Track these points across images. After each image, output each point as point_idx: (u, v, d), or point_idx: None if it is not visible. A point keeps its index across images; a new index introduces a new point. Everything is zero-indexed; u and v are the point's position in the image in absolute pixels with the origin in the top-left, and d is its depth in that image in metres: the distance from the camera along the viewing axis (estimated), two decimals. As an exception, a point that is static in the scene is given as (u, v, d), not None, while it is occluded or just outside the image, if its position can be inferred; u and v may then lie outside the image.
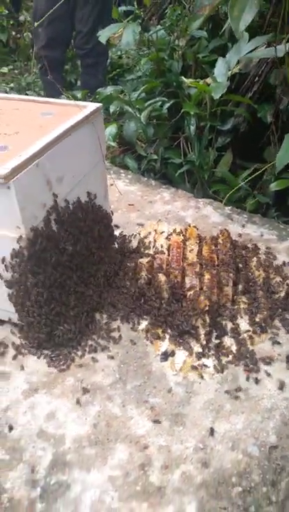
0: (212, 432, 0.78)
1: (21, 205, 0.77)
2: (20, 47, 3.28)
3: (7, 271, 0.86)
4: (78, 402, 0.83)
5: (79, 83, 3.19)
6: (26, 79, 2.84)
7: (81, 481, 0.72)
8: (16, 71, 3.00)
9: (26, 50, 3.13)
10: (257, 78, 1.77)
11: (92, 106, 0.96)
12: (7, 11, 3.38)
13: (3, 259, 0.84)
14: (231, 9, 0.98)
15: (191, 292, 0.98)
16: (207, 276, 1.00)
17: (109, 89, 1.87)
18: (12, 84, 2.76)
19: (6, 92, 2.54)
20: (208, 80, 1.80)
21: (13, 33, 3.48)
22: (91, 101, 2.04)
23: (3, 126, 0.91)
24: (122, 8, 2.26)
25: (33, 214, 0.82)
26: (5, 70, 2.95)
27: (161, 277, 0.99)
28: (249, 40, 1.53)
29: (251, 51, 1.55)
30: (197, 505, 0.69)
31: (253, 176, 1.65)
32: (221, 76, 1.59)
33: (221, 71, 1.60)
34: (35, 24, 2.38)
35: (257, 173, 1.64)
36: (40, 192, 0.83)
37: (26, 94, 2.79)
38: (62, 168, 0.87)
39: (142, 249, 1.16)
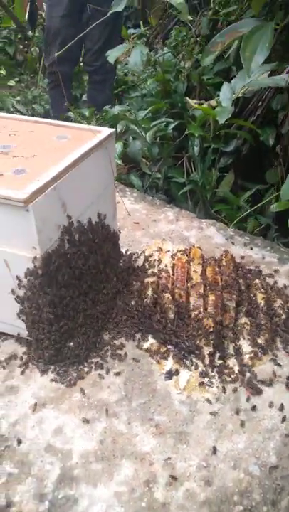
0: (215, 450, 0.81)
1: (38, 228, 0.80)
2: (27, 61, 3.34)
3: (20, 288, 0.89)
4: (86, 420, 0.85)
5: (84, 97, 3.26)
6: (33, 92, 2.90)
7: (88, 496, 0.75)
8: (23, 84, 3.05)
9: (33, 64, 3.19)
10: (260, 103, 1.83)
11: (105, 131, 1.00)
12: (15, 25, 3.45)
13: (18, 278, 0.88)
14: (243, 50, 1.03)
15: (196, 313, 1.01)
16: (211, 297, 1.03)
17: (116, 109, 1.92)
18: (19, 98, 2.81)
19: (13, 105, 2.59)
20: (213, 103, 1.86)
21: (20, 46, 3.55)
22: (97, 118, 2.10)
23: (20, 149, 0.95)
24: (132, 30, 2.32)
25: (49, 235, 0.85)
26: (12, 83, 3.00)
27: (167, 297, 1.03)
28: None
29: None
30: (200, 522, 0.71)
31: (249, 195, 1.70)
32: (226, 101, 1.64)
33: (226, 96, 1.65)
34: (48, 42, 2.46)
35: (254, 193, 1.68)
36: (56, 214, 0.86)
37: (33, 108, 2.85)
38: (76, 191, 0.91)
39: (147, 268, 1.20)
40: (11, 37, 3.49)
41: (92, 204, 1.00)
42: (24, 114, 2.73)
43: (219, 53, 1.25)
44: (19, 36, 3.58)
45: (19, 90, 3.03)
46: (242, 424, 0.85)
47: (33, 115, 2.83)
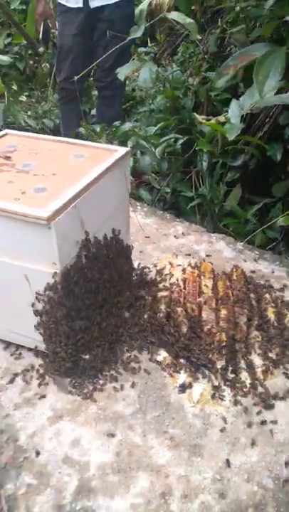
0: (228, 463, 0.82)
1: (59, 244, 0.83)
2: (37, 76, 3.41)
3: (39, 302, 0.92)
4: (110, 435, 0.87)
5: (92, 112, 3.33)
6: (43, 107, 2.96)
7: (106, 508, 0.77)
8: (33, 99, 3.12)
9: (44, 79, 3.27)
10: (267, 119, 1.87)
11: (121, 150, 1.04)
12: (26, 42, 3.54)
13: (37, 292, 0.90)
14: (256, 74, 1.07)
15: (208, 327, 1.03)
16: (223, 311, 1.06)
17: (127, 125, 1.96)
18: (29, 112, 2.88)
19: (25, 120, 2.64)
20: (220, 118, 1.90)
21: (31, 62, 3.64)
22: (108, 133, 2.14)
23: (40, 167, 0.99)
24: (142, 49, 2.38)
25: (68, 251, 0.88)
26: (23, 98, 3.07)
27: (180, 311, 1.05)
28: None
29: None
30: (216, 534, 0.73)
31: (256, 209, 1.73)
32: (235, 118, 1.68)
33: (235, 113, 1.69)
34: (60, 59, 2.53)
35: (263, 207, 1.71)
36: (75, 231, 0.90)
37: (43, 122, 2.91)
38: (94, 208, 0.94)
39: (159, 282, 1.22)
40: (21, 53, 3.58)
41: (108, 220, 1.03)
42: (35, 129, 2.80)
43: (232, 76, 1.29)
44: (29, 52, 3.67)
45: (29, 105, 3.10)
46: (254, 438, 0.87)
47: (43, 129, 2.89)
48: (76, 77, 2.22)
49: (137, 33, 1.36)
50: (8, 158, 1.03)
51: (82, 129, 2.08)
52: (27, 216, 0.81)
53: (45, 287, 0.89)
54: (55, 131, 2.84)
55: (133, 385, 0.97)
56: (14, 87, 3.04)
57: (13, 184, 0.92)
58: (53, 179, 0.94)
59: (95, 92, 3.36)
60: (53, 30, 2.76)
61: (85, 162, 1.01)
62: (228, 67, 1.24)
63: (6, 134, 1.17)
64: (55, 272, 0.87)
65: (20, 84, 3.37)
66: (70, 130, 2.60)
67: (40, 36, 2.72)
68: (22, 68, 3.62)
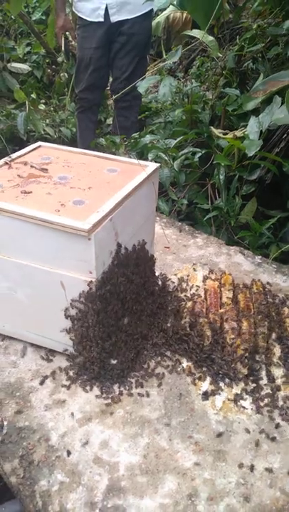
0: (252, 469, 0.86)
1: (96, 254, 0.88)
2: (54, 84, 3.49)
3: (72, 308, 0.97)
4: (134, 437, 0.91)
5: (108, 121, 3.40)
6: (61, 116, 3.03)
7: (136, 507, 0.80)
8: (52, 108, 3.19)
9: (61, 88, 3.34)
10: (285, 135, 1.92)
11: (152, 166, 1.09)
12: (45, 51, 3.62)
13: (72, 298, 0.95)
14: (288, 101, 1.11)
15: (230, 337, 1.08)
16: (245, 323, 1.10)
17: (147, 139, 2.02)
18: (47, 121, 2.94)
19: (44, 129, 2.71)
20: (238, 133, 1.96)
21: (48, 70, 3.71)
22: (126, 144, 2.20)
23: (76, 181, 1.04)
24: (162, 64, 2.45)
25: (103, 260, 0.93)
26: (42, 106, 3.14)
27: (204, 322, 1.10)
28: (282, 104, 1.69)
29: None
30: (241, 535, 0.77)
31: (271, 223, 1.78)
32: (254, 134, 1.73)
33: (254, 129, 1.75)
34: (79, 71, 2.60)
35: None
36: (110, 242, 0.95)
37: (60, 131, 2.97)
38: (126, 220, 0.99)
39: (180, 292, 1.27)
40: (40, 61, 3.66)
41: (137, 231, 1.08)
42: (53, 137, 2.86)
43: (262, 100, 1.33)
44: (47, 61, 3.75)
45: (47, 113, 3.17)
46: (276, 445, 0.91)
47: (60, 137, 2.96)
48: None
49: (175, 57, 1.41)
50: (44, 170, 1.09)
51: (102, 140, 2.14)
52: (69, 228, 0.86)
53: (80, 294, 0.94)
54: (72, 140, 2.91)
55: (158, 392, 1.01)
56: (33, 95, 3.10)
57: (51, 196, 0.97)
58: (90, 192, 0.99)
59: (111, 102, 3.44)
60: (72, 43, 2.84)
61: (118, 176, 1.06)
62: (258, 91, 1.29)
63: (39, 146, 1.23)
64: (91, 281, 0.91)
65: (38, 92, 3.44)
66: (86, 139, 2.67)
67: (63, 48, 2.80)
68: (39, 76, 3.71)
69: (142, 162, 1.12)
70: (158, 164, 1.11)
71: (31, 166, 1.10)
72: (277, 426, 0.94)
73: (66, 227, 0.86)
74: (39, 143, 1.24)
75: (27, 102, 2.52)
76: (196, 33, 2.03)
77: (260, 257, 1.49)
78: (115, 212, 0.93)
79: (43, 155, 1.17)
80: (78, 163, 1.13)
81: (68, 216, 0.88)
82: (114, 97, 2.50)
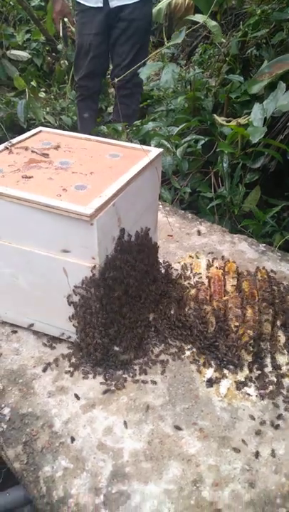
0: (257, 455, 0.86)
1: (99, 240, 0.87)
2: (54, 72, 3.45)
3: (75, 294, 0.96)
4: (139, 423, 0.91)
5: (109, 109, 3.36)
6: (61, 104, 2.99)
7: (140, 492, 0.80)
8: (52, 96, 3.15)
9: (62, 76, 3.30)
10: None
11: (155, 151, 1.07)
12: (45, 38, 3.57)
13: (75, 285, 0.94)
14: None
15: (235, 325, 1.07)
16: (250, 310, 1.09)
17: (150, 126, 1.99)
18: (48, 109, 2.91)
19: (44, 118, 2.68)
20: (241, 120, 1.93)
21: (48, 58, 3.67)
22: (128, 132, 2.18)
23: (77, 166, 1.02)
24: (165, 50, 2.41)
25: (106, 246, 0.92)
26: (42, 94, 3.10)
27: (208, 309, 1.08)
28: (286, 90, 1.66)
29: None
30: (246, 521, 0.76)
31: (274, 211, 1.76)
32: (258, 121, 1.71)
33: (258, 116, 1.72)
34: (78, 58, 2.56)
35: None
36: (112, 227, 0.93)
37: (60, 119, 2.94)
38: (129, 206, 0.98)
39: (184, 280, 1.26)
40: (39, 49, 3.61)
41: (140, 217, 1.06)
42: (53, 125, 2.83)
43: (267, 84, 1.30)
44: (47, 48, 3.70)
45: (47, 101, 3.13)
46: (281, 432, 0.90)
47: (61, 126, 2.93)
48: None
49: (178, 38, 1.38)
50: (45, 155, 1.07)
51: (104, 127, 2.12)
52: (70, 212, 0.84)
53: (82, 280, 0.93)
54: (72, 129, 2.88)
55: (162, 378, 1.00)
56: (33, 83, 3.06)
57: (53, 181, 0.96)
58: (92, 177, 0.97)
59: (112, 90, 3.39)
60: (70, 28, 2.79)
61: (121, 161, 1.05)
62: (264, 74, 1.27)
63: (40, 131, 1.21)
64: (94, 266, 0.90)
65: (38, 80, 3.40)
66: (86, 127, 2.63)
67: (61, 34, 2.75)
68: (39, 64, 3.66)
69: (144, 147, 1.11)
70: (161, 149, 1.09)
71: (32, 151, 1.08)
72: (282, 413, 0.94)
73: (68, 212, 0.84)
74: (40, 128, 1.22)
75: (27, 90, 2.48)
76: (198, 17, 1.99)
77: (264, 244, 1.47)
78: (118, 197, 0.91)
79: (43, 140, 1.15)
80: (80, 148, 1.11)
81: (70, 201, 0.87)
82: (116, 80, 2.45)
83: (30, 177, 0.97)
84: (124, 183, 0.94)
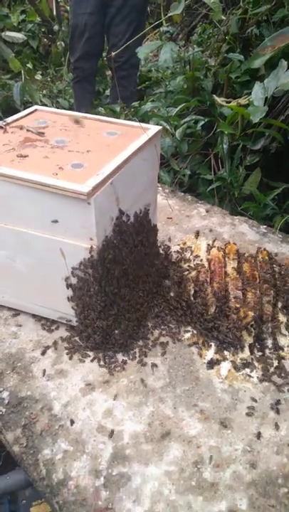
0: (258, 436, 0.85)
1: (97, 220, 0.85)
2: (50, 54, 3.38)
3: (74, 276, 0.94)
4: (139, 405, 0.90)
5: (106, 92, 3.30)
6: (58, 86, 2.94)
7: (141, 474, 0.79)
8: (48, 78, 3.09)
9: (58, 58, 3.23)
10: (290, 103, 1.85)
11: (154, 128, 1.04)
12: (40, 19, 3.49)
13: (73, 267, 0.92)
14: None
15: (236, 306, 1.05)
16: (251, 291, 1.07)
17: (148, 106, 1.95)
18: (44, 92, 2.85)
19: (41, 100, 2.63)
20: (242, 101, 1.89)
21: (45, 40, 3.59)
22: (126, 114, 2.13)
23: (74, 144, 0.99)
24: (164, 28, 2.35)
25: (104, 227, 0.89)
26: (38, 77, 3.04)
27: (209, 290, 1.07)
28: (288, 69, 1.62)
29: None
30: (248, 501, 0.76)
31: (275, 193, 1.73)
32: (258, 100, 1.67)
33: (258, 95, 1.68)
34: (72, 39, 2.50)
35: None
36: (111, 207, 0.91)
37: (57, 102, 2.89)
38: (128, 185, 0.95)
39: (184, 262, 1.24)
40: (35, 30, 3.53)
41: (139, 197, 1.04)
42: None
43: (268, 58, 1.26)
44: (43, 30, 3.62)
45: (44, 84, 3.07)
46: (283, 413, 0.89)
47: (57, 108, 2.87)
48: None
49: (178, 9, 1.33)
50: (41, 134, 1.04)
51: (101, 109, 2.07)
52: (67, 191, 0.82)
53: (80, 262, 0.91)
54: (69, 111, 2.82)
55: (162, 361, 0.99)
56: (29, 65, 3.00)
57: (49, 160, 0.93)
58: (89, 156, 0.95)
59: (109, 72, 3.32)
60: (65, 7, 2.72)
61: (119, 139, 1.02)
62: (266, 47, 1.22)
63: (35, 110, 1.18)
64: (92, 247, 0.88)
65: (34, 62, 3.33)
66: (83, 110, 2.59)
67: (55, 13, 2.68)
68: (35, 46, 3.58)
69: (143, 124, 1.07)
70: (160, 127, 1.06)
71: (27, 130, 1.05)
72: (284, 394, 0.92)
73: (64, 191, 0.82)
74: (35, 107, 1.19)
75: (23, 72, 2.43)
76: (198, -7, 1.93)
77: (265, 226, 1.45)
78: (116, 175, 0.89)
79: (39, 119, 1.12)
80: (76, 126, 1.08)
81: (67, 179, 0.84)
82: (112, 54, 2.38)
83: (25, 156, 0.94)
84: (122, 161, 0.91)
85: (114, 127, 1.07)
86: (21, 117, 1.13)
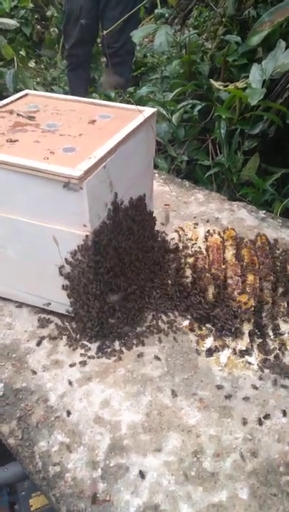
0: (260, 422, 0.83)
1: (90, 205, 0.82)
2: (44, 42, 3.31)
3: (67, 265, 0.91)
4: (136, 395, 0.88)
5: (101, 79, 3.23)
6: (52, 74, 2.88)
7: (139, 464, 0.78)
8: (42, 66, 3.03)
9: (52, 45, 3.17)
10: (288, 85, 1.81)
11: (149, 110, 1.00)
12: (33, 5, 3.41)
13: (68, 254, 0.89)
14: None
15: (235, 293, 1.03)
16: (250, 277, 1.05)
17: (143, 91, 1.91)
18: (38, 79, 2.80)
19: (35, 88, 2.58)
20: (239, 84, 1.84)
21: (38, 27, 3.51)
22: (121, 100, 2.09)
23: (65, 128, 0.96)
24: (159, 10, 2.29)
25: (98, 213, 0.86)
26: (32, 64, 2.98)
27: (207, 277, 1.04)
28: (286, 49, 1.57)
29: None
30: (249, 491, 0.74)
31: (274, 178, 1.70)
32: (256, 82, 1.62)
33: (256, 77, 1.64)
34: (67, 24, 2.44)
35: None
36: (104, 192, 0.88)
37: (52, 90, 2.83)
38: (122, 169, 0.92)
39: (181, 249, 1.21)
40: (28, 17, 3.45)
41: (135, 182, 1.00)
42: (44, 96, 2.72)
43: (268, 32, 1.22)
44: (36, 16, 3.54)
45: (37, 71, 3.01)
46: (283, 400, 0.87)
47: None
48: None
49: None
50: (31, 118, 1.00)
51: (95, 95, 2.03)
52: (58, 175, 0.79)
53: (74, 250, 0.88)
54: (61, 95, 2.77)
55: (160, 349, 0.97)
56: (22, 53, 2.94)
57: (40, 144, 0.90)
58: (81, 139, 0.91)
59: (104, 59, 3.26)
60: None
61: (112, 122, 0.98)
62: (264, 23, 1.18)
63: (26, 95, 1.14)
64: (86, 235, 0.85)
65: (27, 50, 3.26)
66: (79, 96, 2.53)
67: None
68: (29, 34, 3.51)
69: (138, 107, 1.04)
70: (155, 109, 1.03)
71: (18, 115, 1.02)
72: (284, 381, 0.90)
73: (55, 175, 0.79)
74: (26, 91, 1.15)
75: (15, 59, 2.38)
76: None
77: (264, 211, 1.42)
78: (109, 159, 0.85)
79: (30, 103, 1.08)
80: (68, 110, 1.05)
81: (58, 163, 0.81)
82: (104, 32, 2.31)
83: (15, 141, 0.91)
84: (116, 144, 0.88)
85: (108, 110, 1.04)
86: (11, 102, 1.09)
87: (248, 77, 1.72)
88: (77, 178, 0.77)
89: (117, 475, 0.77)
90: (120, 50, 2.54)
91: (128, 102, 2.01)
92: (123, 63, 2.61)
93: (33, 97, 1.13)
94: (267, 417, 0.84)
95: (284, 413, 0.85)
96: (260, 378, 0.91)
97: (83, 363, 0.94)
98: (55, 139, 0.91)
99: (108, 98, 1.97)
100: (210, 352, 0.96)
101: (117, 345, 0.97)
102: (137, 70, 2.96)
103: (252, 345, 0.97)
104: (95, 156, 0.83)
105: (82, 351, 0.96)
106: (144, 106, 1.84)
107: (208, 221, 1.35)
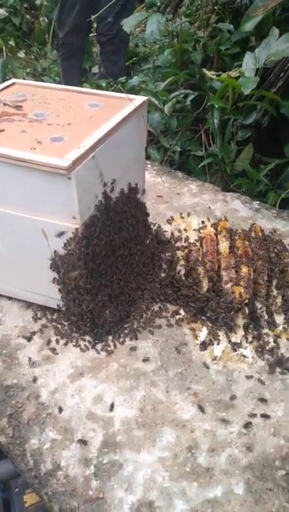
0: (254, 417, 0.82)
1: (79, 197, 0.79)
2: (35, 32, 3.25)
3: (57, 258, 0.89)
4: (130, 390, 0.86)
5: (93, 70, 3.18)
6: (42, 64, 2.83)
7: (133, 461, 0.76)
8: (32, 56, 2.97)
9: (42, 35, 3.11)
10: (282, 74, 1.78)
11: (140, 99, 0.98)
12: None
13: (56, 248, 0.87)
14: None
15: (229, 285, 1.01)
16: (244, 269, 1.03)
17: (135, 80, 1.87)
18: (28, 70, 2.75)
19: (24, 78, 2.53)
20: (232, 73, 1.81)
21: (28, 16, 3.45)
22: (113, 89, 2.05)
23: (54, 117, 0.93)
24: (149, -2, 2.24)
25: (87, 205, 0.84)
26: (21, 54, 2.92)
27: (200, 269, 1.02)
28: (279, 36, 1.54)
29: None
30: (244, 486, 0.73)
31: (268, 169, 1.68)
32: (249, 71, 1.60)
33: (249, 66, 1.61)
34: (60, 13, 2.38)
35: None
36: (94, 183, 0.85)
37: (42, 80, 2.78)
38: (112, 159, 0.89)
39: (174, 241, 1.19)
40: (17, 6, 3.38)
41: (125, 172, 0.98)
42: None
43: (262, 17, 1.19)
44: (25, 6, 3.47)
45: (27, 62, 2.96)
46: (279, 393, 0.86)
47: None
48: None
49: None
50: (19, 107, 0.97)
51: (86, 85, 1.99)
52: (45, 166, 0.76)
53: (64, 242, 0.86)
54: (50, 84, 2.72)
55: (153, 343, 0.95)
56: (11, 43, 2.88)
57: (27, 134, 0.87)
58: (69, 129, 0.89)
59: (96, 49, 3.20)
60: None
61: (101, 111, 0.95)
62: (258, 8, 1.15)
63: (14, 83, 1.11)
64: (76, 228, 0.83)
65: (17, 40, 3.20)
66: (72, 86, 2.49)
67: None
68: (18, 24, 3.44)
69: (128, 95, 1.01)
70: (146, 97, 1.00)
71: (4, 104, 0.99)
72: (279, 374, 0.89)
73: (43, 166, 0.76)
74: (13, 80, 1.12)
75: (4, 48, 2.32)
76: None
77: (258, 202, 1.40)
78: (98, 148, 0.83)
79: (17, 92, 1.05)
80: (56, 99, 1.02)
81: (45, 154, 0.78)
82: (98, 40, 2.29)
83: (1, 130, 0.88)
84: (105, 134, 0.85)
85: (97, 99, 1.01)
86: (-2, 91, 1.06)
87: (241, 65, 1.69)
88: (65, 169, 0.75)
89: (111, 472, 0.75)
90: (115, 38, 2.50)
91: (119, 92, 1.97)
92: (117, 52, 2.57)
93: (21, 86, 1.09)
94: (262, 410, 0.83)
95: (279, 407, 0.84)
96: (255, 371, 0.90)
97: (75, 358, 0.92)
98: (43, 129, 0.88)
99: (100, 88, 1.93)
100: (204, 345, 0.95)
101: (109, 339, 0.95)
102: (128, 60, 2.91)
103: (246, 338, 0.95)
104: (84, 145, 0.81)
105: (74, 346, 0.95)
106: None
107: (201, 212, 1.33)
